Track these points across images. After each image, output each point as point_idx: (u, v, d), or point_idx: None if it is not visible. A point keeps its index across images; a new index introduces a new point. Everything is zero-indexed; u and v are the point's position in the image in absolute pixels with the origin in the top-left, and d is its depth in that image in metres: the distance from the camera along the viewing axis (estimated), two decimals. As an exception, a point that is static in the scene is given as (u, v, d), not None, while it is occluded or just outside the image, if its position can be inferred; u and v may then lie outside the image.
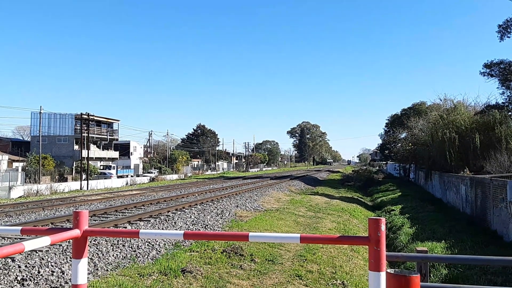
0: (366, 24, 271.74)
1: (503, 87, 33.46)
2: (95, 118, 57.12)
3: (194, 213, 17.85)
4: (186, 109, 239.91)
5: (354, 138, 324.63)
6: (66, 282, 8.22)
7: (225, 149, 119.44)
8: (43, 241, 2.54)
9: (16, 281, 8.01)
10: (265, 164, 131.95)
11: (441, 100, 38.46)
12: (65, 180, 49.54)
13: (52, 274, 8.55)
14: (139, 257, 10.45)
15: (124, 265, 9.61)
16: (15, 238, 11.47)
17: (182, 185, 39.50)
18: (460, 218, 19.29)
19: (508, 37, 32.47)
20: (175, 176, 67.14)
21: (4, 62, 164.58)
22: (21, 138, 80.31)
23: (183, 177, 68.26)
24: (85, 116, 47.34)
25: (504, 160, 21.93)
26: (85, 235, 2.92)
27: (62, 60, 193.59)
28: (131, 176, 59.31)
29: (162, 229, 14.43)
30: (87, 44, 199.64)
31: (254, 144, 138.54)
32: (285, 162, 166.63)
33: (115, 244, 11.07)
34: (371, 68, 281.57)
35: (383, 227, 2.53)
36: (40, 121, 49.89)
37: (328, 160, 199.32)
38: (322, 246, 12.21)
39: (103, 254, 10.22)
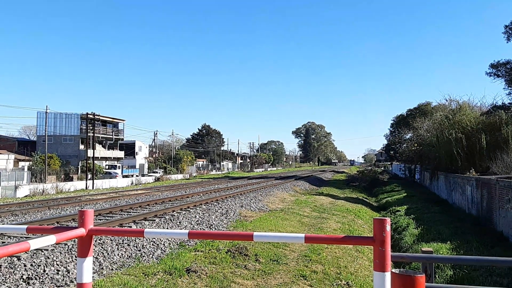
0: (372, 24, 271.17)
1: (509, 88, 33.31)
2: (101, 118, 57.39)
3: (199, 213, 17.87)
4: (191, 109, 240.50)
5: (359, 138, 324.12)
6: (72, 281, 8.25)
7: (230, 149, 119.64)
8: (49, 240, 2.55)
9: (21, 279, 8.05)
10: (270, 164, 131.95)
11: (446, 100, 38.30)
12: (71, 179, 49.78)
13: (58, 273, 8.59)
14: (144, 256, 10.47)
15: (129, 265, 9.64)
16: (20, 237, 11.54)
17: (187, 185, 39.56)
18: (465, 219, 19.18)
19: (515, 37, 32.29)
20: (180, 176, 67.28)
21: (10, 62, 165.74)
22: (27, 138, 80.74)
23: (188, 177, 68.38)
24: (91, 116, 47.56)
25: (511, 161, 21.78)
26: (90, 234, 2.93)
27: (68, 60, 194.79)
28: (136, 175, 59.52)
29: (167, 228, 14.46)
30: (93, 44, 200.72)
31: (259, 144, 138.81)
32: (290, 162, 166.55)
33: (120, 243, 11.11)
34: (376, 69, 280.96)
35: (388, 228, 2.53)
36: (46, 120, 50.15)
37: (333, 161, 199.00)
38: (327, 246, 12.19)
39: (108, 253, 10.26)
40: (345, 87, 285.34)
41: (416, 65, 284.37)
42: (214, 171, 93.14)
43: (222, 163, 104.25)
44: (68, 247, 10.27)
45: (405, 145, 54.17)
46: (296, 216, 19.56)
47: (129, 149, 74.46)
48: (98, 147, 62.05)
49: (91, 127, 48.64)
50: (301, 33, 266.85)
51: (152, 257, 10.50)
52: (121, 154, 69.44)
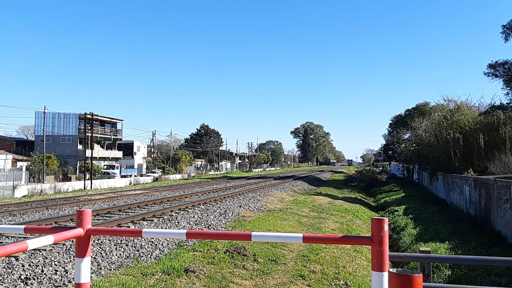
0: (370, 25, 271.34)
1: (507, 88, 33.39)
2: (99, 118, 57.30)
3: (197, 213, 17.86)
4: (190, 109, 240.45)
5: (358, 138, 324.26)
6: (70, 281, 8.24)
7: (229, 149, 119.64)
8: (47, 240, 2.55)
9: (19, 280, 8.04)
10: (268, 164, 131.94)
11: (444, 100, 38.37)
12: (69, 179, 49.69)
13: (56, 273, 8.58)
14: (142, 256, 10.47)
15: (128, 265, 9.63)
16: (18, 237, 11.52)
17: (185, 185, 39.54)
18: (464, 219, 19.21)
19: (513, 37, 32.38)
20: (178, 176, 67.22)
21: (8, 62, 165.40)
22: (25, 138, 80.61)
23: (186, 177, 68.32)
24: (89, 116, 47.50)
25: (509, 161, 21.83)
26: (88, 234, 2.93)
27: (66, 60, 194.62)
28: (135, 175, 59.44)
29: (165, 228, 14.45)
30: (92, 44, 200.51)
31: (257, 144, 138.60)
32: (289, 162, 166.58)
33: (118, 243, 11.10)
34: (375, 69, 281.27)
35: (386, 227, 2.53)
36: (44, 120, 50.05)
37: (331, 161, 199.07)
38: (325, 246, 12.20)
39: (106, 254, 10.25)
40: (343, 87, 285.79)
41: (415, 65, 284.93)
42: (212, 171, 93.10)
43: (220, 163, 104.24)
44: (66, 247, 10.26)
45: (403, 145, 54.27)
46: (295, 216, 19.57)
47: (128, 149, 74.38)
48: (97, 147, 61.97)
49: (89, 127, 48.56)
50: (300, 33, 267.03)
51: (150, 257, 10.50)
52: (119, 154, 69.35)
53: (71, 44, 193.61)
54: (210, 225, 15.97)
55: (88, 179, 43.49)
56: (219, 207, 20.09)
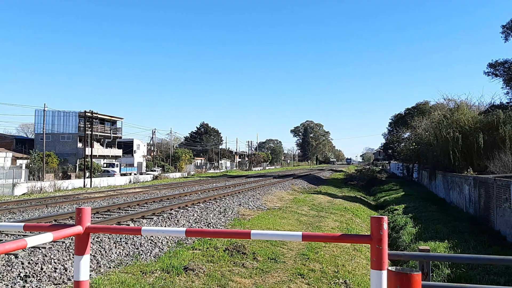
0: (370, 24, 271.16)
1: (507, 87, 33.42)
2: (99, 116, 57.28)
3: (197, 211, 17.87)
4: (190, 108, 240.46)
5: (358, 137, 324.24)
6: (69, 279, 8.25)
7: (228, 148, 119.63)
8: (46, 237, 2.55)
9: (19, 277, 8.04)
10: (268, 163, 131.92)
11: (444, 99, 38.37)
12: (69, 177, 49.66)
13: (55, 271, 8.58)
14: (141, 254, 10.47)
15: (127, 263, 9.63)
16: (18, 235, 11.52)
17: (185, 183, 39.54)
18: (463, 218, 19.22)
19: (513, 36, 32.40)
20: (178, 174, 67.21)
21: (8, 60, 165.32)
22: (25, 136, 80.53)
23: (186, 175, 68.31)
24: (89, 114, 47.46)
25: (508, 160, 21.82)
26: (87, 232, 2.93)
27: (66, 58, 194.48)
28: (134, 174, 59.44)
29: (165, 226, 14.45)
30: (92, 42, 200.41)
31: (257, 143, 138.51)
32: (288, 161, 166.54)
33: (117, 241, 11.10)
34: (375, 68, 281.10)
35: (385, 226, 2.53)
36: (44, 118, 49.98)
37: (331, 159, 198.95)
38: (325, 245, 12.20)
39: (105, 252, 10.25)
40: (343, 86, 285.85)
41: (415, 64, 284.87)
42: (212, 169, 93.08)
43: (220, 162, 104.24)
44: (66, 245, 10.26)
45: (403, 144, 54.30)
46: (294, 215, 19.57)
47: (127, 147, 74.35)
48: (96, 145, 61.95)
49: (89, 125, 48.57)
50: (300, 32, 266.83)
51: (150, 255, 10.50)
52: (119, 152, 69.32)
53: (71, 42, 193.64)
54: (210, 223, 15.97)
55: (87, 177, 43.48)
56: (218, 206, 20.09)
